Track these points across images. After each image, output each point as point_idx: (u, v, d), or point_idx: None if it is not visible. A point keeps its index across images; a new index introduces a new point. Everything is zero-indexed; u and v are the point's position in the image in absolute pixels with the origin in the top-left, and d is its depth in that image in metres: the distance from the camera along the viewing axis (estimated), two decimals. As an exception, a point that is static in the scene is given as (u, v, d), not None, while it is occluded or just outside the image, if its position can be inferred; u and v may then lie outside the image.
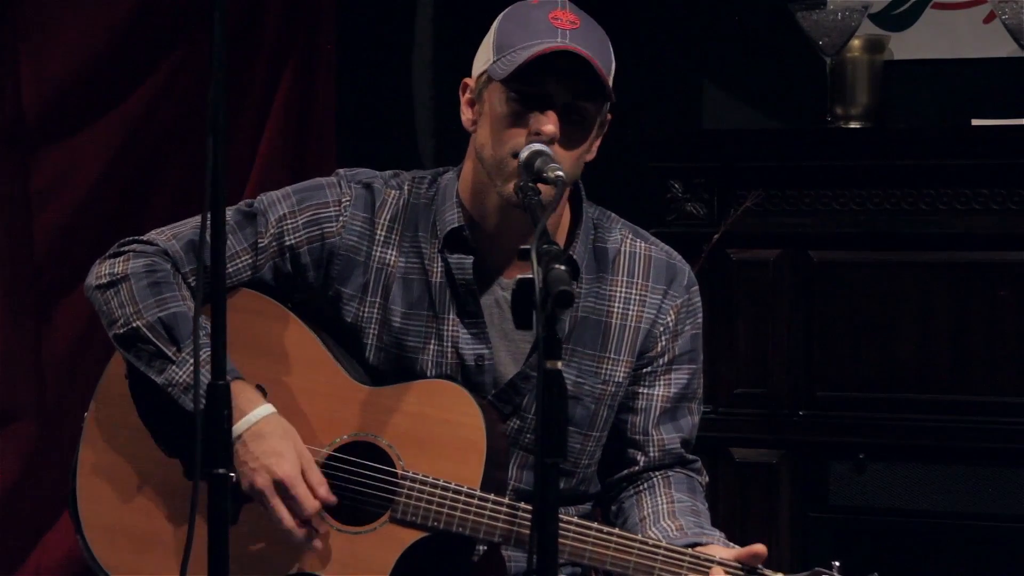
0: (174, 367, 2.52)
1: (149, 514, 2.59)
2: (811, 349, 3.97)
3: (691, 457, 2.70)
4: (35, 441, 3.95)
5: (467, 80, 2.57)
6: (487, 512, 2.47)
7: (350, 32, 4.50)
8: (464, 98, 2.57)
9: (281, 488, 2.47)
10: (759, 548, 2.42)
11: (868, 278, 3.95)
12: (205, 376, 2.10)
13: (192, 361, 2.50)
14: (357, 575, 2.50)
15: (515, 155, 2.45)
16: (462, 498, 2.47)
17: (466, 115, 2.57)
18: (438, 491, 2.48)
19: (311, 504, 2.48)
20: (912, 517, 3.92)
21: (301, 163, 4.29)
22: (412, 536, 2.49)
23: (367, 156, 4.51)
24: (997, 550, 3.88)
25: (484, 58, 2.53)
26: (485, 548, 2.57)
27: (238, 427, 2.46)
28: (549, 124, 2.44)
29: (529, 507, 2.45)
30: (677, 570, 2.42)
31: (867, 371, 3.94)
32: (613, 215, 2.69)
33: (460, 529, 2.48)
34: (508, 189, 2.47)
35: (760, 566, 2.42)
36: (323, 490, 2.49)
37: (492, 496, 2.48)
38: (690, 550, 2.44)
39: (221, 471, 2.06)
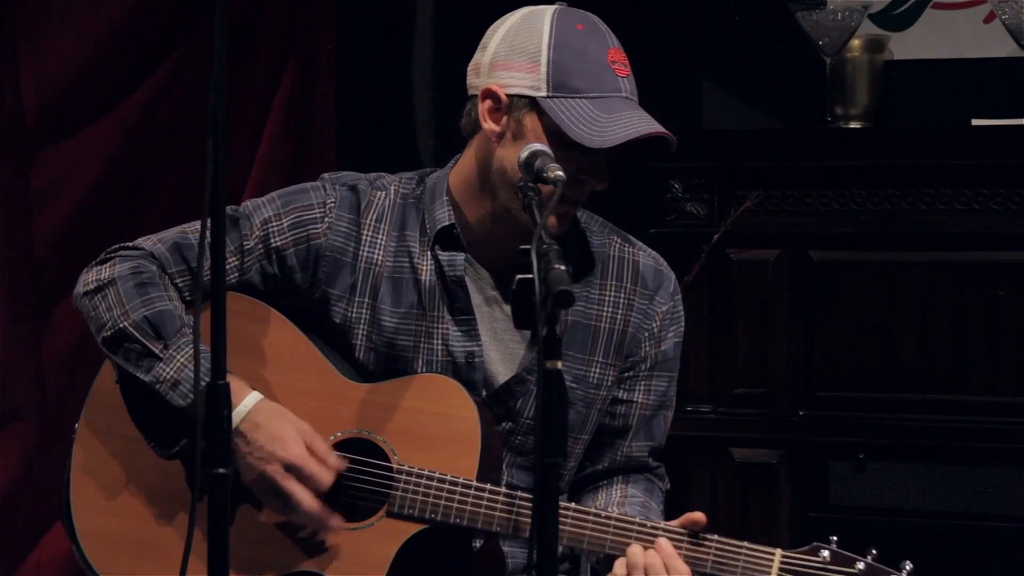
0: (161, 364, 2.51)
1: (144, 520, 2.58)
2: (811, 349, 3.97)
3: (655, 463, 2.72)
4: (35, 441, 3.95)
5: (495, 88, 2.51)
6: (484, 501, 2.47)
7: (350, 32, 4.50)
8: (486, 105, 2.52)
9: (293, 470, 2.46)
10: (697, 516, 2.44)
11: (868, 278, 3.95)
12: (199, 372, 2.09)
13: (178, 357, 2.50)
14: (356, 571, 2.50)
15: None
16: (459, 489, 2.48)
17: (489, 125, 2.52)
18: (434, 483, 2.48)
19: (327, 477, 2.47)
20: (912, 517, 3.91)
21: (301, 163, 4.29)
22: (410, 529, 2.49)
23: (367, 156, 4.53)
24: (997, 550, 3.87)
25: (529, 80, 2.49)
26: (483, 541, 2.57)
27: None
28: (603, 184, 2.49)
29: (526, 495, 2.46)
30: (634, 538, 2.44)
31: (867, 371, 3.93)
32: (601, 219, 2.69)
33: (458, 520, 2.48)
34: (525, 216, 2.40)
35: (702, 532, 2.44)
36: (333, 459, 2.49)
37: (489, 485, 2.48)
38: (687, 530, 2.45)
39: (221, 471, 2.06)
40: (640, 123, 2.47)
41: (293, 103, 4.31)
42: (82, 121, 4.01)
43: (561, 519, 2.43)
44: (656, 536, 2.44)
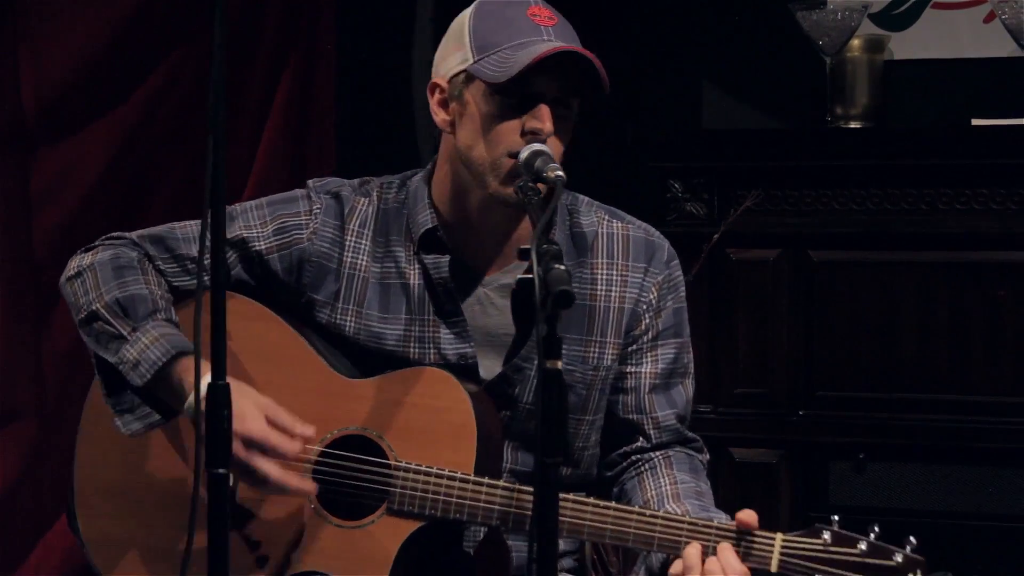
0: (127, 345, 2.51)
1: (147, 523, 2.58)
2: (811, 349, 3.97)
3: (691, 435, 2.69)
4: (35, 441, 3.95)
5: (437, 81, 2.56)
6: (483, 495, 2.47)
7: (350, 32, 4.50)
8: (435, 99, 2.56)
9: (255, 445, 2.43)
10: (748, 516, 2.42)
11: (868, 278, 3.95)
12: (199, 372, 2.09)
13: (143, 339, 2.50)
14: (359, 570, 2.49)
15: (512, 155, 2.45)
16: (456, 483, 2.47)
17: (440, 116, 2.56)
18: (432, 478, 2.48)
19: (289, 446, 2.45)
20: (912, 517, 3.92)
21: (301, 163, 4.29)
22: (411, 526, 2.49)
23: (367, 156, 4.52)
24: (997, 550, 3.88)
25: (459, 58, 2.52)
26: (486, 532, 2.57)
27: (190, 403, 2.43)
28: (547, 123, 2.45)
29: (525, 488, 2.45)
30: (675, 537, 2.42)
31: (867, 371, 3.94)
32: (585, 198, 2.69)
33: (457, 515, 2.48)
34: (507, 190, 2.47)
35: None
36: (299, 427, 2.47)
37: (487, 479, 2.48)
38: (688, 517, 2.43)
39: (221, 471, 2.06)
40: (558, 48, 2.44)
41: (293, 103, 4.31)
42: (82, 121, 4.00)
43: (559, 510, 2.43)
44: (656, 522, 2.42)
